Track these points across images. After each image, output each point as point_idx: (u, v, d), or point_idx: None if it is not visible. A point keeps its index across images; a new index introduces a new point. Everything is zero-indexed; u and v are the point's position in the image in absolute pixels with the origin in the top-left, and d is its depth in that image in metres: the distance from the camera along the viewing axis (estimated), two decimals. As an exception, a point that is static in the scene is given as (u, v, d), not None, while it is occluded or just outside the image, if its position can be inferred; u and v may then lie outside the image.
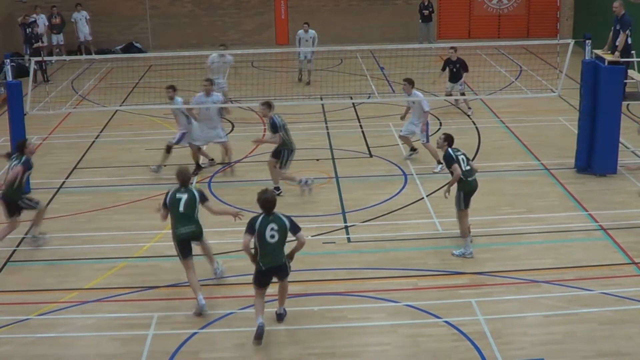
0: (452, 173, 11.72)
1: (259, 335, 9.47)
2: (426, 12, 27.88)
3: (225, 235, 12.51)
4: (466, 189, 11.73)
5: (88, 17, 27.27)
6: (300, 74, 23.45)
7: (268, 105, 14.05)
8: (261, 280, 9.68)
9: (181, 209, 10.24)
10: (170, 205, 10.32)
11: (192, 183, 14.13)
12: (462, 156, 11.84)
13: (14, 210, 12.24)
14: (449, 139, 11.97)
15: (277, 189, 14.07)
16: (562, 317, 10.07)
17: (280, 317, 10.09)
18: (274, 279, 9.79)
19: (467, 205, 11.75)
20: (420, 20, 28.06)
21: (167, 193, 10.44)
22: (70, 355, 9.54)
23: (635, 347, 9.41)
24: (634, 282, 11.00)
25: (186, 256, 10.36)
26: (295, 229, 9.60)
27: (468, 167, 11.80)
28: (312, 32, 22.57)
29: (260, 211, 9.55)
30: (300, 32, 22.74)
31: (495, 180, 14.94)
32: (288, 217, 9.62)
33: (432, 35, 28.45)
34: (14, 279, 11.52)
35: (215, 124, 15.69)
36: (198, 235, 10.53)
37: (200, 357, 9.44)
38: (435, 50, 26.16)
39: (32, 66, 17.30)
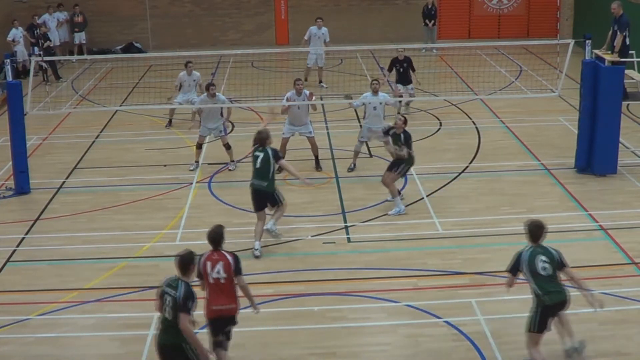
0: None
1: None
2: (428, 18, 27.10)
3: (225, 236, 12.49)
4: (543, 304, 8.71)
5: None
6: (307, 72, 22.63)
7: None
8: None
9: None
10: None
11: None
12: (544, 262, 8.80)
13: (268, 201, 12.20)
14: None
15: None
16: (562, 317, 10.05)
17: None
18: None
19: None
20: (423, 24, 27.30)
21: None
22: (70, 355, 9.54)
23: (635, 347, 9.42)
24: (634, 282, 11.00)
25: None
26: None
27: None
28: (324, 29, 22.12)
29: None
30: (313, 28, 22.22)
31: (495, 180, 14.95)
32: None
33: (433, 39, 27.86)
34: (14, 279, 11.52)
35: (305, 121, 15.59)
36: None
37: (200, 357, 9.44)
38: (436, 51, 26.14)
39: (32, 66, 17.32)
